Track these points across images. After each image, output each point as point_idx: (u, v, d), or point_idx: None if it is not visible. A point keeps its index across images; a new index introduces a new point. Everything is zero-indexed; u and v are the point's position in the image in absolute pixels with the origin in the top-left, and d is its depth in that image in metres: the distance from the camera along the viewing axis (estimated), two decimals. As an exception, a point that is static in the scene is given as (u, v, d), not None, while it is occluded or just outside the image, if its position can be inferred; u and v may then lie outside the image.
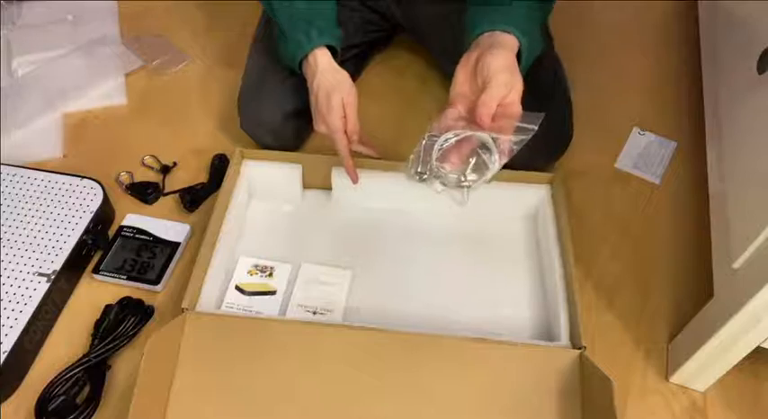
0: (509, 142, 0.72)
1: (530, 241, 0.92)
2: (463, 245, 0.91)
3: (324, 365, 0.75)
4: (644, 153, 1.05)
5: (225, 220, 0.86)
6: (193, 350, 0.75)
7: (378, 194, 0.93)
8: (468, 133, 0.72)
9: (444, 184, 0.75)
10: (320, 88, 0.86)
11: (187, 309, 0.76)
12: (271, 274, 0.87)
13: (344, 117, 0.85)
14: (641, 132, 1.08)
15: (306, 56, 0.87)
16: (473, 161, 0.74)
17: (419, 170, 0.75)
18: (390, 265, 0.89)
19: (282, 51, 0.91)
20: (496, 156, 0.72)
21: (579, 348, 0.74)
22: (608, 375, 0.68)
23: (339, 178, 0.92)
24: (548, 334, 0.82)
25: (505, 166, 0.95)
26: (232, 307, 0.84)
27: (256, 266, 0.88)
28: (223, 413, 0.73)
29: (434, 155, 0.73)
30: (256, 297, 0.85)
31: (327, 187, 0.95)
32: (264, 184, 0.94)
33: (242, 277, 0.87)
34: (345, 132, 0.86)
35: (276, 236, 0.92)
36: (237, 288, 0.86)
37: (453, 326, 0.80)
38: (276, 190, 0.95)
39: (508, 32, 0.75)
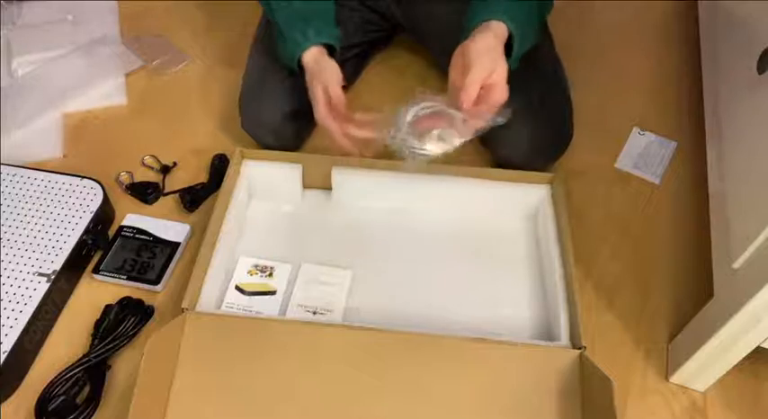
0: (473, 125, 0.76)
1: (530, 241, 0.92)
2: (463, 244, 0.91)
3: (324, 365, 0.75)
4: (644, 153, 1.05)
5: (225, 220, 0.86)
6: (193, 350, 0.75)
7: (378, 194, 0.93)
8: (442, 107, 0.77)
9: (411, 149, 0.78)
10: (308, 78, 0.88)
11: (187, 309, 0.76)
12: (271, 274, 0.87)
13: (330, 103, 0.86)
14: (641, 132, 1.08)
15: (303, 54, 0.88)
16: (436, 133, 0.77)
17: (392, 134, 0.78)
18: (390, 265, 0.89)
19: (281, 51, 0.92)
20: (456, 134, 0.76)
21: (579, 348, 0.74)
22: (608, 375, 0.68)
23: (339, 178, 0.92)
24: (548, 334, 0.82)
25: (504, 166, 0.95)
26: (232, 307, 0.84)
27: (256, 266, 0.88)
28: (223, 413, 0.73)
29: (406, 119, 0.77)
30: (256, 297, 0.85)
31: (327, 187, 0.95)
32: (264, 184, 0.94)
33: (242, 277, 0.87)
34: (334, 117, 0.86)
35: (276, 236, 0.92)
36: (237, 288, 0.86)
37: (453, 326, 0.80)
38: (276, 190, 0.95)
39: (498, 20, 0.78)
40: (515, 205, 0.93)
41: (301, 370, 0.75)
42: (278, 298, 0.85)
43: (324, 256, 0.89)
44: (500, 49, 0.77)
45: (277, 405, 0.74)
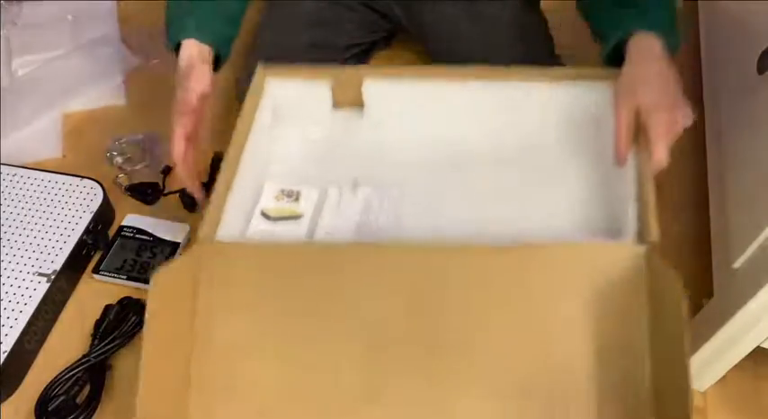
0: None
1: (591, 147, 0.80)
2: (512, 155, 0.79)
3: (377, 287, 0.64)
4: None
5: (246, 145, 0.76)
6: (216, 286, 0.64)
7: (414, 112, 0.82)
8: None
9: None
10: (176, 80, 0.80)
11: (205, 239, 0.65)
12: (297, 199, 0.80)
13: (194, 114, 0.78)
14: None
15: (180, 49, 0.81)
16: None
17: None
18: (429, 185, 0.79)
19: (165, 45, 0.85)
20: None
21: (647, 244, 0.63)
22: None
23: (372, 93, 0.82)
24: (611, 234, 0.71)
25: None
26: (257, 235, 0.76)
27: (283, 191, 0.80)
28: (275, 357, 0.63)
29: None
30: (282, 222, 0.78)
31: (359, 104, 0.84)
32: (290, 103, 0.84)
33: (268, 202, 0.79)
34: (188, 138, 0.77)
35: (303, 160, 0.83)
36: (263, 214, 0.79)
37: (506, 241, 0.66)
38: (303, 110, 0.84)
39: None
40: (573, 108, 0.82)
41: (355, 294, 0.64)
42: (305, 221, 0.77)
43: (353, 179, 0.80)
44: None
45: (340, 334, 0.63)
